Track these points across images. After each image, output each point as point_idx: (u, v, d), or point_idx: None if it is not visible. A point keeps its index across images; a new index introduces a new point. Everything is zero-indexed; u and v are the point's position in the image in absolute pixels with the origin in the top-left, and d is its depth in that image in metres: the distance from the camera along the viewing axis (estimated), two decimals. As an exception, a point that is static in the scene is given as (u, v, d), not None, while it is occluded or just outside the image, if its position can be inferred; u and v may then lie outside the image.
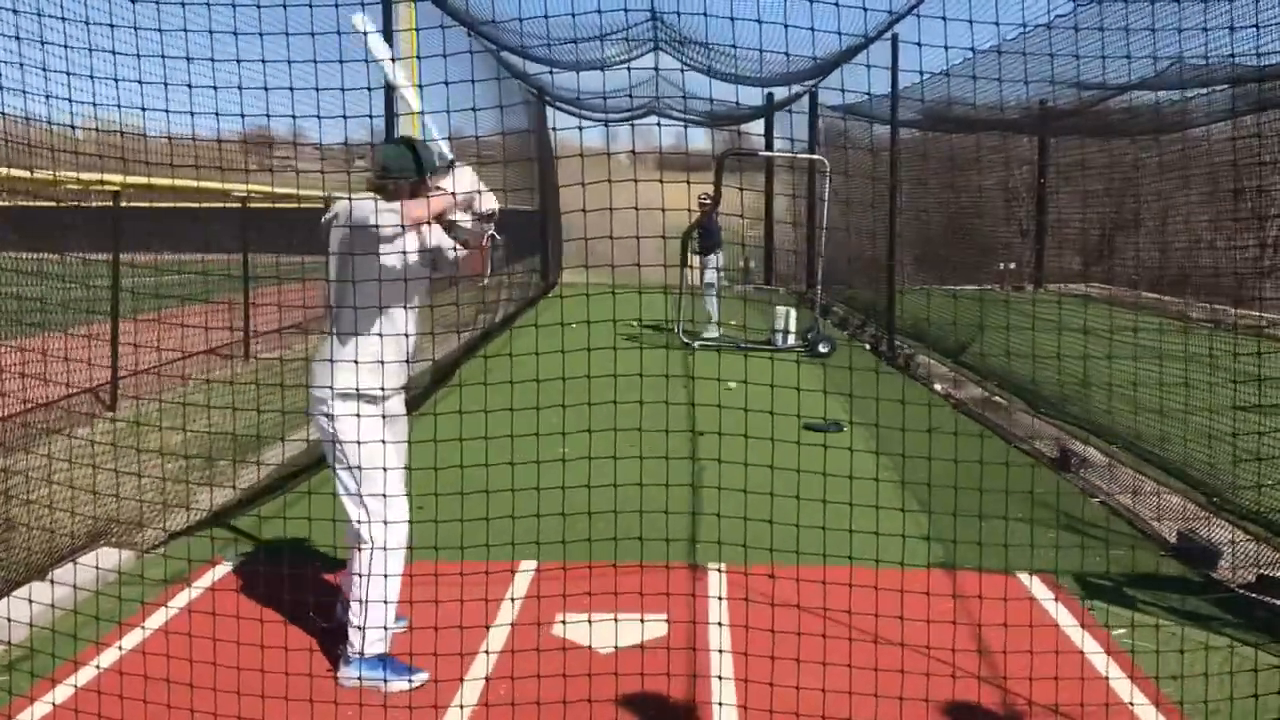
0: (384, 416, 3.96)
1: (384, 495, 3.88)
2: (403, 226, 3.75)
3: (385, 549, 3.91)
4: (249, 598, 4.72)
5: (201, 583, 4.94)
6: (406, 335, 3.98)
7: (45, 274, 6.65)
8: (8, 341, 5.47)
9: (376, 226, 3.72)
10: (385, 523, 3.91)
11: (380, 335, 3.90)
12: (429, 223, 3.93)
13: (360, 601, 3.91)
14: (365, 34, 3.93)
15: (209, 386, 6.90)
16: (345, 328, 3.90)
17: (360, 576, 3.93)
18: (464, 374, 9.71)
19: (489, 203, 4.00)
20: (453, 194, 3.90)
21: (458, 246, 4.10)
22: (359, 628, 3.93)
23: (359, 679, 3.94)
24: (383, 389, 3.93)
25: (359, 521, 3.96)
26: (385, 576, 3.89)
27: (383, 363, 3.88)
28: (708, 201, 13.01)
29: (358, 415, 3.87)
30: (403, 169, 3.99)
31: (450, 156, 4.01)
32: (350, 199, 3.88)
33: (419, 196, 3.94)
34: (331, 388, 3.85)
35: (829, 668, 3.63)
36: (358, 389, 3.87)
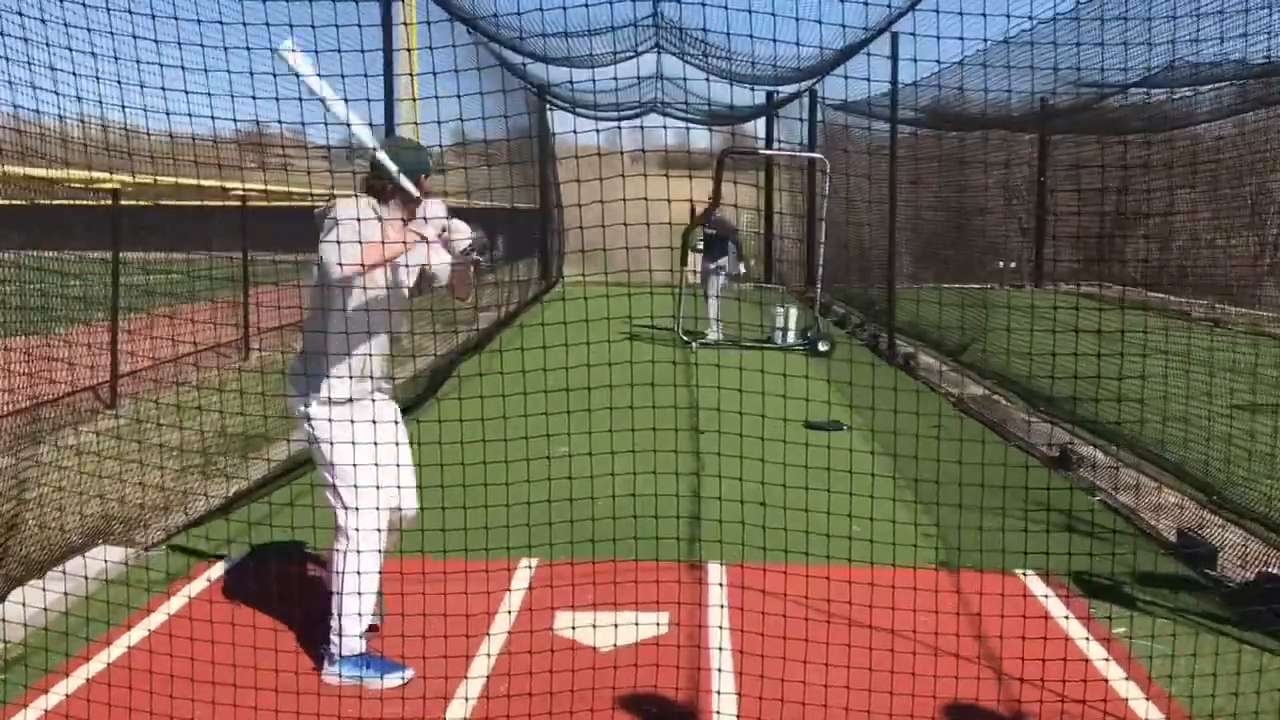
0: (353, 419, 3.90)
1: (355, 488, 3.87)
2: (339, 264, 3.67)
3: (359, 550, 3.91)
4: (248, 596, 4.72)
5: (201, 581, 4.95)
6: (382, 334, 3.97)
7: (45, 270, 6.66)
8: (8, 341, 5.47)
9: (338, 243, 3.66)
10: (358, 529, 3.91)
11: (347, 335, 3.87)
12: (366, 267, 3.77)
13: (338, 594, 3.92)
14: (282, 53, 3.77)
15: (209, 385, 6.90)
16: (316, 328, 3.92)
17: (336, 574, 3.95)
18: (464, 373, 9.71)
19: (461, 235, 3.97)
20: (418, 238, 3.89)
21: (441, 266, 4.06)
22: (335, 632, 3.94)
23: (339, 677, 3.95)
24: (351, 393, 3.93)
25: (337, 524, 3.98)
26: (359, 574, 3.90)
27: (349, 359, 3.89)
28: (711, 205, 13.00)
29: (329, 419, 3.88)
30: (398, 160, 3.92)
31: (408, 185, 3.91)
32: (355, 199, 3.86)
33: (409, 202, 3.92)
34: (307, 397, 3.90)
35: (829, 666, 3.63)
36: (329, 396, 3.90)
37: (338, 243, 3.67)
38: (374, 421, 3.92)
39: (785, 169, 20.36)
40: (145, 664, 3.86)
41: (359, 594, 3.91)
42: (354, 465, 3.82)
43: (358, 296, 3.88)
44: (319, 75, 3.78)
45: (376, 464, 3.86)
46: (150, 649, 4.07)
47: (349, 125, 3.86)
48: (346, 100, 3.87)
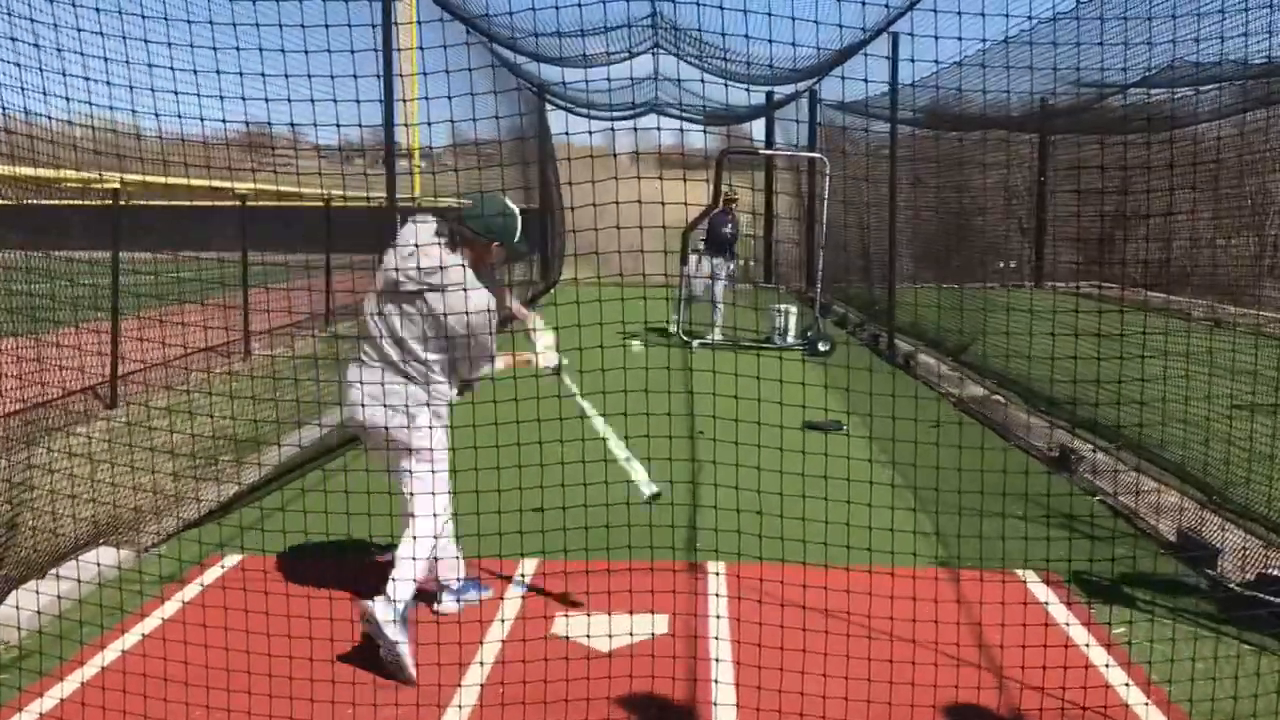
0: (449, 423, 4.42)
1: (436, 474, 4.31)
2: (490, 358, 4.33)
3: (436, 514, 4.23)
4: (249, 595, 4.71)
5: (201, 581, 4.94)
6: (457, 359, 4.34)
7: (45, 270, 6.65)
8: (7, 340, 5.46)
9: (464, 289, 4.10)
10: (438, 500, 4.28)
11: (451, 359, 4.28)
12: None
13: (432, 541, 4.28)
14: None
15: (209, 385, 6.90)
16: (436, 364, 4.25)
17: (424, 537, 4.23)
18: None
19: (552, 362, 4.61)
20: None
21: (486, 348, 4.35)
22: (437, 574, 4.53)
23: (459, 604, 4.61)
24: (449, 402, 4.38)
25: (418, 501, 4.25)
26: (434, 516, 4.26)
27: (447, 380, 4.31)
28: (734, 198, 13.04)
29: (444, 420, 4.34)
30: (486, 229, 4.28)
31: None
32: (455, 258, 4.19)
33: (483, 257, 4.30)
34: (406, 403, 4.21)
35: (828, 666, 3.63)
36: (445, 404, 4.32)
37: (489, 314, 4.22)
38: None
39: (785, 170, 20.36)
40: (142, 666, 3.86)
41: (451, 537, 4.51)
42: (450, 453, 4.37)
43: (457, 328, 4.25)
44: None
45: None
46: (147, 651, 4.07)
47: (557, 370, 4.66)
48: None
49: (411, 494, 4.29)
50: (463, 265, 4.16)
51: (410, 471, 4.29)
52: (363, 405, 4.23)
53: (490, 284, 4.30)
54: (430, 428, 4.28)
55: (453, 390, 4.37)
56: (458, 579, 4.65)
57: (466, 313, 4.09)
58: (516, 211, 4.38)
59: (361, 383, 4.23)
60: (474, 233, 4.26)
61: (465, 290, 4.09)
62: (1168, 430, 6.18)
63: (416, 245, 4.16)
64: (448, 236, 4.24)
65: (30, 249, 6.57)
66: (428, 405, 4.25)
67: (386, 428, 4.25)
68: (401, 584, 4.08)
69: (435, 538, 4.29)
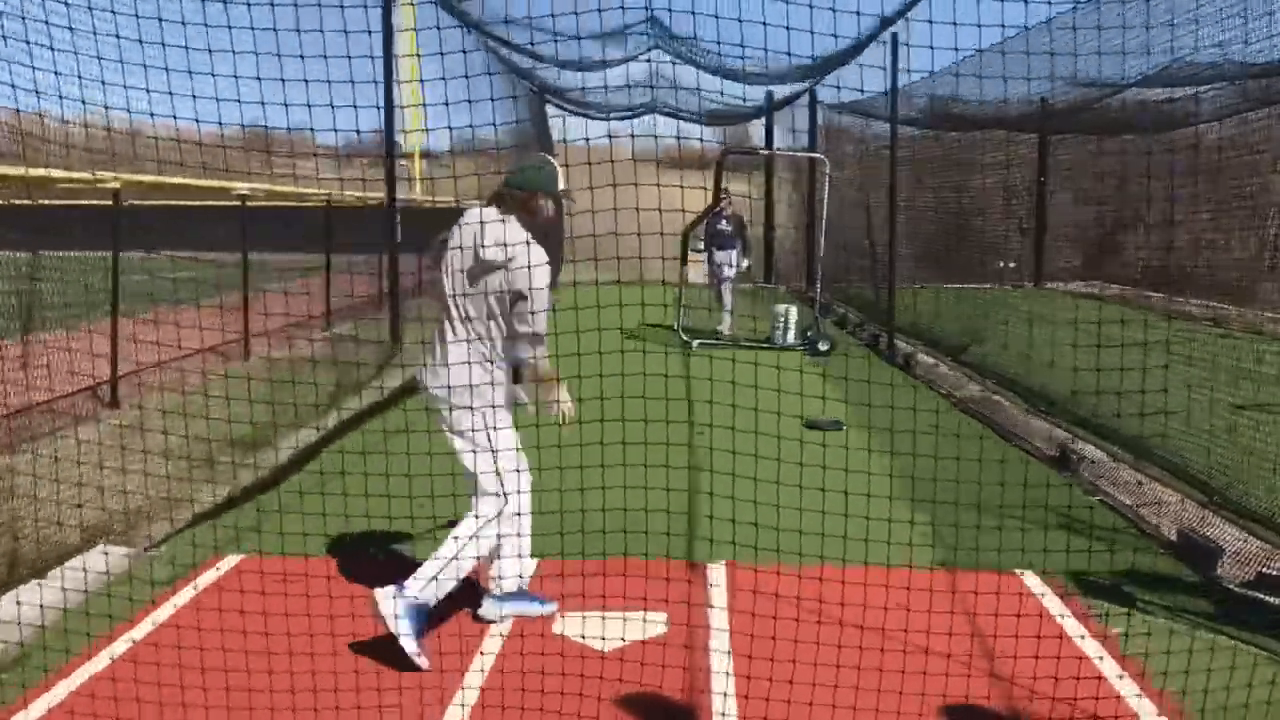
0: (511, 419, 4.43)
1: (515, 470, 4.36)
2: (548, 281, 4.25)
3: (517, 511, 4.36)
4: (249, 595, 4.72)
5: (202, 580, 4.94)
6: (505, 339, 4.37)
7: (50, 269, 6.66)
8: (7, 340, 5.47)
9: (529, 267, 4.18)
10: (515, 491, 4.33)
11: (501, 340, 4.32)
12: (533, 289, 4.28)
13: (501, 537, 4.34)
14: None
15: (208, 385, 6.90)
16: (498, 341, 4.30)
17: (488, 532, 4.30)
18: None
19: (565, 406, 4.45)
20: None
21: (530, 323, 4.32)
22: (498, 572, 4.44)
23: (501, 609, 4.46)
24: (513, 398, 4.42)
25: (489, 491, 4.29)
26: (519, 515, 4.38)
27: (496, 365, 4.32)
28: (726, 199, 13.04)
29: (503, 413, 4.33)
30: (527, 183, 4.39)
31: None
32: (503, 222, 4.27)
33: (532, 209, 4.37)
34: (471, 388, 4.22)
35: (828, 665, 3.63)
36: (501, 398, 4.31)
37: (544, 265, 4.21)
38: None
39: (785, 170, 20.36)
40: (144, 665, 3.86)
41: (517, 535, 4.40)
42: (514, 450, 4.37)
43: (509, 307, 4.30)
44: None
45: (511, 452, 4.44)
46: (149, 650, 4.07)
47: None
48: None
49: (478, 473, 4.31)
50: (527, 242, 4.26)
51: (473, 452, 4.30)
52: (432, 379, 4.31)
53: (553, 246, 4.45)
54: (487, 409, 4.26)
55: (507, 377, 4.37)
56: (517, 580, 4.51)
57: (530, 289, 4.18)
58: (554, 162, 4.57)
59: (434, 360, 4.33)
60: (519, 189, 4.37)
61: (529, 268, 4.18)
62: (1168, 430, 6.18)
63: (481, 223, 4.27)
64: (504, 206, 4.34)
65: (30, 249, 6.59)
66: (491, 386, 4.26)
67: (451, 407, 4.27)
68: (420, 581, 4.11)
69: (517, 513, 4.31)
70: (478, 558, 4.30)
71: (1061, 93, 9.81)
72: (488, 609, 4.47)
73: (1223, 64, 6.93)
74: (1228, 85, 8.32)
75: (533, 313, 4.24)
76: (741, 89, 15.49)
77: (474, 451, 4.28)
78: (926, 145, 14.74)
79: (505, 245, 4.24)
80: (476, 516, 4.27)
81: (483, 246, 4.25)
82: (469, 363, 4.23)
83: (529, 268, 4.18)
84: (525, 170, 4.50)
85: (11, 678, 3.98)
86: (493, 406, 4.28)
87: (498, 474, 4.25)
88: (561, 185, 4.48)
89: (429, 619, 4.15)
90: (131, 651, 4.12)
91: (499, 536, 4.35)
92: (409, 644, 4.03)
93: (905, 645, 3.96)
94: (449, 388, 4.21)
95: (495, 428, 4.26)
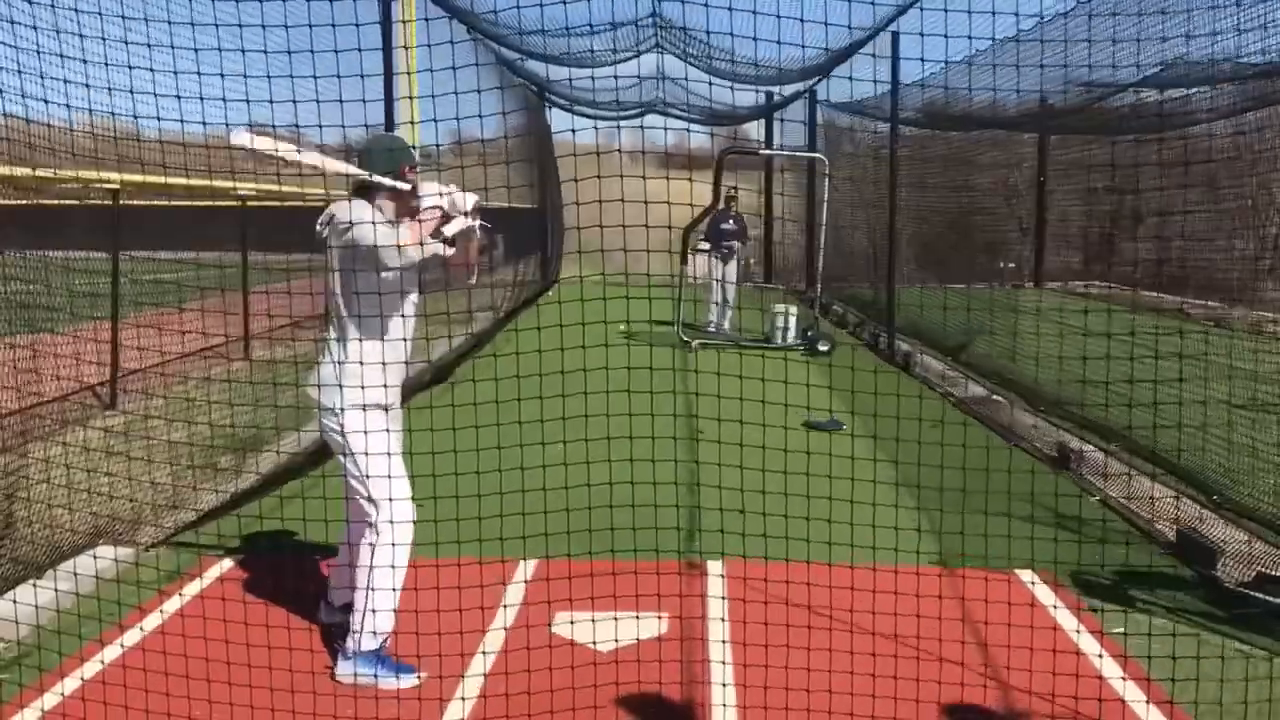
0: (388, 422, 4.00)
1: (390, 499, 3.94)
2: (398, 248, 3.80)
3: (393, 544, 3.96)
4: (248, 594, 4.72)
5: (200, 581, 4.94)
6: (405, 340, 4.02)
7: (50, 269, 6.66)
8: (7, 340, 5.47)
9: (376, 246, 3.77)
10: (392, 521, 3.97)
11: (381, 342, 3.95)
12: (420, 243, 3.91)
13: (367, 590, 3.93)
14: (238, 143, 3.88)
15: (208, 385, 6.90)
16: (349, 335, 3.95)
17: (364, 569, 3.95)
18: (461, 373, 9.71)
19: (467, 200, 4.01)
20: (430, 209, 3.96)
21: (444, 246, 4.05)
22: (357, 626, 3.97)
23: (354, 675, 3.97)
24: (385, 399, 3.97)
25: (368, 520, 3.99)
26: (393, 568, 3.94)
27: (385, 367, 3.93)
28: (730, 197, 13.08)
29: (364, 431, 3.91)
30: (374, 165, 3.98)
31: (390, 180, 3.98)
32: (350, 203, 3.90)
33: (400, 197, 3.97)
34: (339, 401, 3.92)
35: (829, 665, 3.63)
36: (364, 403, 3.92)
37: (373, 224, 3.74)
38: (388, 426, 3.99)
39: (785, 169, 20.34)
40: (144, 663, 3.86)
41: (392, 589, 3.96)
42: (389, 457, 3.90)
43: (391, 302, 3.93)
44: (273, 139, 3.89)
45: (405, 463, 4.00)
46: (148, 649, 4.07)
47: (324, 172, 3.97)
48: (318, 149, 3.97)
49: (367, 499, 3.97)
50: (373, 215, 3.83)
51: (343, 456, 3.98)
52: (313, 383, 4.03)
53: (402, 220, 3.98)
54: (350, 410, 3.93)
55: (389, 375, 3.94)
56: (377, 638, 3.96)
57: (376, 243, 3.76)
58: (402, 139, 4.30)
59: (317, 362, 4.07)
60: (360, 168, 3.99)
61: (367, 224, 3.80)
62: (1167, 429, 6.18)
63: (331, 217, 3.94)
64: (356, 194, 4.00)
65: (30, 249, 6.58)
66: (340, 388, 3.91)
67: (320, 407, 4.00)
68: (357, 635, 3.94)
69: (393, 545, 3.93)
70: (394, 566, 3.96)
71: (1062, 92, 9.79)
72: (341, 669, 4.02)
73: (1222, 64, 6.93)
74: (1228, 85, 8.31)
75: (387, 247, 3.77)
76: (747, 90, 15.48)
77: (344, 456, 4.00)
78: (926, 144, 14.73)
79: (339, 222, 3.87)
80: (378, 533, 3.96)
81: (324, 237, 3.94)
82: (336, 362, 3.93)
83: (366, 224, 3.77)
84: (372, 152, 4.05)
85: (13, 676, 3.98)
86: (359, 407, 3.93)
87: (364, 479, 3.95)
88: (414, 158, 4.05)
89: (396, 633, 4.03)
90: (133, 650, 4.12)
91: (370, 568, 3.92)
92: (389, 684, 3.94)
93: (904, 644, 3.97)
94: (319, 386, 3.95)
95: (359, 430, 3.91)
